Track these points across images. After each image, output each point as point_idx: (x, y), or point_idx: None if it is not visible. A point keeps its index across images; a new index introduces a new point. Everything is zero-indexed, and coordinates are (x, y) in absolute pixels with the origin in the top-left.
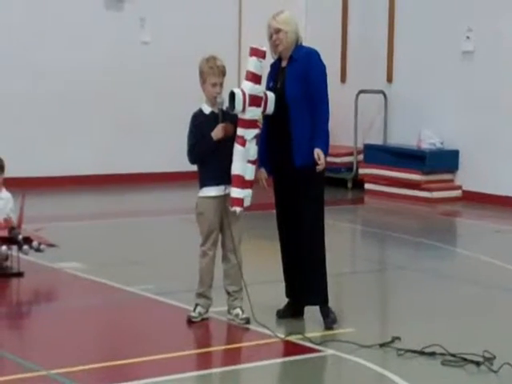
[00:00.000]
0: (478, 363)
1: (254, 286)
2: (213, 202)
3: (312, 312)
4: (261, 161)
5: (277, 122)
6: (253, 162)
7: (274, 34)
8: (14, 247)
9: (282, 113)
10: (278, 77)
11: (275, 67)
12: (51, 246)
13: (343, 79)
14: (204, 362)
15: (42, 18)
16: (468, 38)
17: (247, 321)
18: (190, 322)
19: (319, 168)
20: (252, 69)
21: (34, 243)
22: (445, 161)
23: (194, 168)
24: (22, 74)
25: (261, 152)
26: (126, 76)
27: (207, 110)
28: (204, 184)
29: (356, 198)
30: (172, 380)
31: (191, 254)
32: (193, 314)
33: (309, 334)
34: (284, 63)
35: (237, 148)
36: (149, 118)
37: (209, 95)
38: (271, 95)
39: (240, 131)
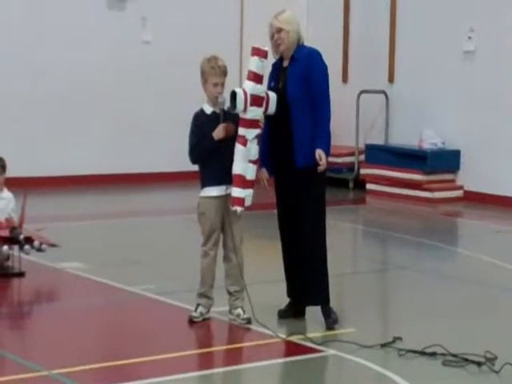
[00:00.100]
0: (479, 363)
1: (255, 286)
2: (214, 201)
3: (313, 312)
4: (262, 161)
5: (278, 122)
6: (254, 162)
7: (276, 33)
8: (16, 247)
9: (283, 113)
10: (279, 77)
11: (277, 67)
12: (52, 245)
13: (345, 79)
14: (205, 362)
15: (44, 17)
16: (470, 37)
17: (248, 321)
18: (192, 321)
19: (320, 168)
20: (254, 68)
21: (36, 243)
22: (446, 161)
23: (196, 168)
24: (24, 74)
25: (262, 152)
26: (127, 75)
27: (208, 109)
28: (205, 184)
29: (357, 198)
30: (173, 380)
31: (192, 253)
32: (194, 314)
33: (310, 334)
34: (285, 63)
35: (238, 148)
36: (150, 117)
37: (210, 95)
38: (273, 95)
39: (241, 131)
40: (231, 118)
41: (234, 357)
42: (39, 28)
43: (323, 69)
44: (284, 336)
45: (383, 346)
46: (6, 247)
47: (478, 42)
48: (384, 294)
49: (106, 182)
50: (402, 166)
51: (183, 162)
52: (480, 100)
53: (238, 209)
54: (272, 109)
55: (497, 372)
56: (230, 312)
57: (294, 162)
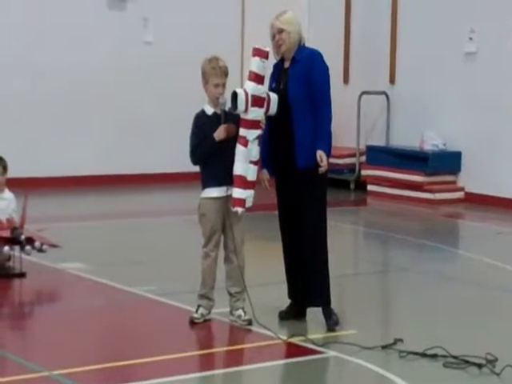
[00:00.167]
0: (480, 365)
1: (256, 287)
2: (215, 203)
3: (314, 313)
4: (263, 162)
5: (279, 123)
6: (255, 163)
7: (277, 34)
8: (17, 247)
9: (284, 114)
10: (280, 78)
11: (278, 68)
12: (54, 246)
13: (346, 80)
14: (206, 363)
15: (44, 17)
16: (471, 39)
17: (249, 322)
18: (193, 323)
19: (322, 170)
20: (255, 69)
21: (37, 243)
22: (447, 162)
23: (197, 169)
24: (24, 74)
25: (263, 153)
26: (128, 76)
27: (209, 110)
28: (206, 185)
29: (358, 200)
30: (174, 381)
31: (193, 255)
32: (195, 315)
33: (311, 336)
34: (287, 64)
35: (239, 148)
36: (151, 118)
37: (211, 96)
38: (274, 96)
39: (242, 132)
40: (232, 118)
41: (234, 358)
42: (40, 28)
43: (324, 70)
44: (285, 337)
45: (384, 347)
46: (7, 248)
47: (480, 44)
48: (385, 295)
49: (106, 182)
50: (403, 167)
51: (184, 163)
52: (481, 101)
53: (239, 210)
54: (273, 109)
55: (497, 374)
56: (231, 313)
57: (294, 163)
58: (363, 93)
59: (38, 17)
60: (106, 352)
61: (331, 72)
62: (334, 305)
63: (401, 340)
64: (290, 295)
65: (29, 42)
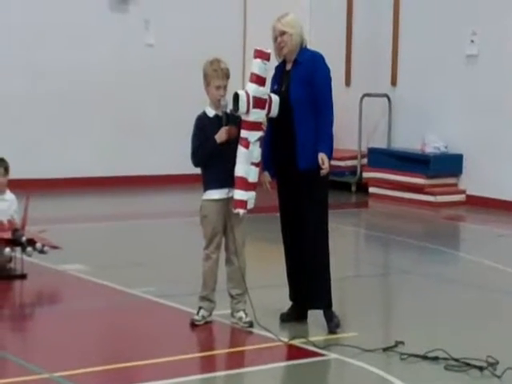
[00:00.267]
0: (481, 368)
1: (257, 290)
2: (216, 204)
3: (315, 316)
4: (264, 164)
5: (281, 125)
6: (256, 165)
7: (279, 36)
8: (18, 249)
9: (286, 116)
10: (282, 80)
11: (280, 70)
12: (55, 247)
13: (347, 82)
14: (207, 365)
15: (45, 19)
16: (472, 41)
17: (250, 324)
18: (194, 325)
19: (323, 172)
20: (256, 71)
21: (38, 245)
22: (449, 165)
23: (198, 171)
24: (25, 76)
25: (264, 155)
26: (130, 78)
27: (211, 112)
28: (208, 187)
29: (360, 202)
30: (175, 383)
31: (195, 256)
32: (196, 317)
33: (312, 338)
34: (288, 66)
35: (240, 150)
36: (153, 120)
37: (213, 98)
38: (275, 98)
39: (244, 133)
40: (234, 120)
41: (235, 360)
42: (41, 29)
43: (326, 72)
44: (286, 340)
45: (385, 350)
46: (8, 249)
47: (481, 46)
48: (386, 298)
49: (108, 184)
50: (404, 169)
51: (186, 165)
52: (483, 104)
53: (241, 211)
54: (274, 111)
55: (499, 377)
56: (232, 315)
57: (296, 165)
58: (365, 95)
59: (39, 18)
60: (106, 354)
61: (333, 74)
62: (335, 307)
63: (402, 342)
64: (292, 297)
65: (30, 42)
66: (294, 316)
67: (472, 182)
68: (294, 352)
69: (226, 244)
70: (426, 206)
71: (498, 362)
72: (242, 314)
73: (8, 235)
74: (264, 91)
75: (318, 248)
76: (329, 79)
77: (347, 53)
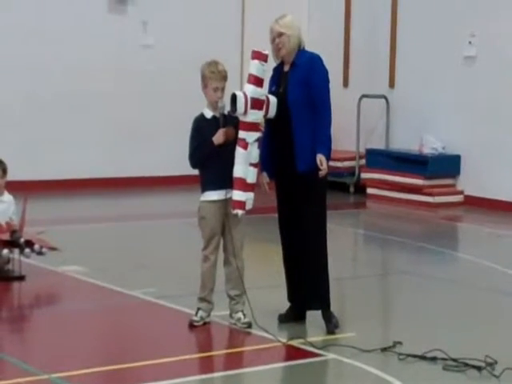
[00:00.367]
0: (479, 368)
1: (255, 290)
2: (214, 206)
3: (314, 316)
4: (262, 165)
5: (279, 127)
6: (254, 165)
7: (277, 37)
8: (16, 250)
9: (284, 117)
10: (280, 81)
11: (277, 71)
12: (53, 249)
13: (345, 84)
14: (206, 366)
15: (45, 21)
16: (470, 43)
17: (249, 325)
18: (192, 326)
19: (322, 173)
20: (254, 72)
21: (36, 246)
22: (447, 166)
23: (197, 172)
24: (24, 78)
25: (263, 156)
26: (128, 79)
27: (209, 114)
28: (206, 188)
29: (358, 203)
30: None
31: (193, 258)
32: (195, 318)
33: (310, 339)
34: (286, 68)
35: (239, 151)
36: (151, 121)
37: (210, 100)
38: (273, 99)
39: (242, 134)
40: (231, 122)
41: (234, 361)
42: (39, 31)
43: (324, 73)
44: (284, 340)
45: (383, 350)
46: (6, 250)
47: (479, 47)
48: (384, 298)
49: (106, 185)
50: (402, 170)
51: (185, 166)
52: (480, 105)
53: (239, 212)
54: (272, 112)
55: (497, 377)
56: (231, 316)
57: (294, 167)
58: (363, 96)
59: (37, 20)
60: (105, 355)
61: (331, 75)
62: (333, 308)
63: (400, 343)
64: (290, 298)
65: (29, 44)
66: (293, 317)
67: (470, 183)
68: (292, 352)
69: (224, 245)
70: (424, 206)
71: (496, 362)
72: (240, 314)
73: (6, 237)
74: (262, 92)
75: (316, 249)
76: (327, 80)
77: (345, 54)
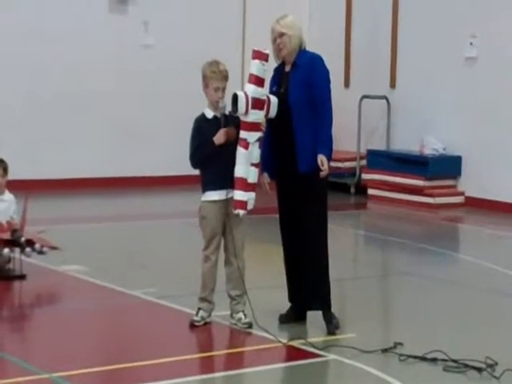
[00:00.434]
0: (479, 369)
1: (256, 291)
2: (215, 206)
3: (315, 317)
4: (264, 165)
5: (280, 127)
6: (256, 165)
7: (278, 38)
8: (17, 250)
9: (285, 117)
10: (281, 81)
11: (278, 72)
12: (54, 248)
13: (346, 84)
14: (206, 366)
15: (46, 21)
16: (471, 43)
17: (250, 325)
18: (193, 326)
19: (323, 174)
20: (255, 72)
21: (37, 246)
22: (447, 167)
23: (198, 172)
24: (24, 77)
25: (264, 157)
26: (129, 79)
27: (209, 114)
28: (206, 188)
29: (359, 204)
30: None
31: (194, 258)
32: (195, 318)
33: (311, 339)
34: (287, 68)
35: (240, 151)
36: (152, 121)
37: (211, 100)
38: (274, 98)
39: (243, 134)
40: (232, 122)
41: (234, 361)
42: (40, 31)
43: (325, 74)
44: (285, 341)
45: (384, 351)
46: (7, 250)
47: (480, 48)
48: (385, 299)
49: (107, 185)
50: (403, 171)
51: (185, 166)
52: (481, 106)
53: (241, 212)
54: (273, 112)
55: (497, 378)
56: (231, 316)
57: (296, 167)
58: (364, 97)
59: (38, 20)
60: (105, 354)
61: (332, 76)
62: (334, 308)
63: (401, 343)
64: (291, 298)
65: (29, 44)
66: (293, 317)
67: (471, 184)
68: (292, 353)
69: (225, 245)
70: (425, 207)
71: (496, 364)
72: (241, 314)
73: (7, 236)
74: (262, 92)
75: (317, 249)
76: (328, 81)
77: (346, 54)
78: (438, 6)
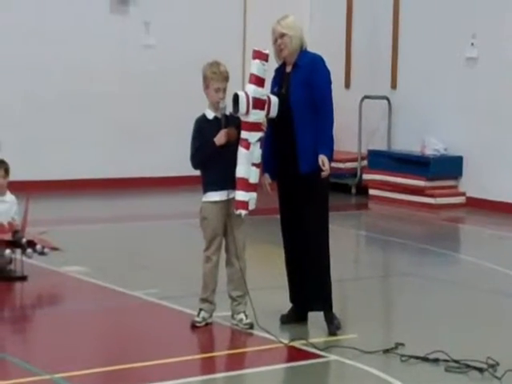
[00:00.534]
0: (481, 370)
1: (257, 291)
2: (216, 206)
3: (316, 317)
4: (265, 166)
5: (281, 128)
6: (257, 165)
7: (279, 38)
8: (18, 251)
9: (286, 118)
10: (282, 82)
11: (280, 72)
12: (55, 249)
13: (347, 85)
14: (207, 366)
15: (47, 21)
16: (472, 44)
17: (251, 326)
18: (194, 326)
19: (324, 174)
20: (255, 72)
21: (38, 247)
22: (449, 167)
23: (199, 172)
24: (24, 77)
25: (265, 157)
26: (130, 79)
27: (210, 115)
28: (207, 189)
29: (360, 204)
30: None
31: (195, 258)
32: (197, 319)
33: (312, 340)
34: (288, 68)
35: (241, 151)
36: (153, 121)
37: (212, 100)
38: (274, 98)
39: (244, 134)
40: (233, 123)
41: (236, 362)
42: (41, 32)
43: (326, 74)
44: (286, 341)
45: (385, 351)
46: (8, 251)
47: (481, 49)
48: (386, 299)
49: (108, 186)
50: (404, 171)
51: (186, 167)
52: (482, 106)
53: (243, 212)
54: (274, 112)
55: (499, 378)
56: (233, 317)
57: (297, 168)
58: (365, 97)
59: (39, 20)
60: (107, 355)
61: (333, 76)
62: (335, 309)
63: (402, 344)
64: (292, 299)
65: (29, 44)
66: (295, 318)
67: (472, 184)
68: (294, 354)
69: (226, 246)
70: (426, 208)
71: (498, 364)
72: (242, 315)
73: (8, 237)
74: (263, 92)
75: (318, 250)
76: (329, 81)
77: (347, 55)
78: (439, 6)
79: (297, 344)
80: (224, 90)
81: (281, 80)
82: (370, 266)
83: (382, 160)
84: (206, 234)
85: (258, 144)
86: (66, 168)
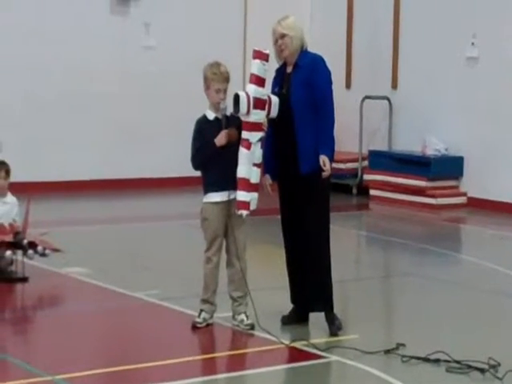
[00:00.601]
0: (482, 370)
1: (259, 292)
2: (217, 207)
3: (317, 318)
4: (266, 167)
5: (282, 128)
6: (258, 166)
7: (279, 39)
8: (19, 252)
9: (286, 118)
10: (283, 82)
11: (280, 72)
12: (56, 250)
13: (348, 85)
14: (208, 367)
15: (47, 22)
16: (473, 44)
17: (252, 327)
18: (195, 327)
19: (325, 174)
20: (255, 72)
21: (39, 248)
22: (449, 167)
23: (199, 173)
24: (24, 77)
25: (266, 158)
26: (130, 80)
27: (211, 115)
28: (208, 189)
29: (361, 204)
30: None
31: (196, 259)
32: (197, 320)
33: (313, 341)
34: (289, 69)
35: (242, 151)
36: (153, 122)
37: (212, 101)
38: (275, 98)
39: (245, 134)
40: (234, 123)
41: (237, 363)
42: (41, 32)
43: (326, 74)
44: (287, 342)
45: (386, 352)
46: (9, 252)
47: (481, 48)
48: (387, 300)
49: (109, 187)
50: (405, 172)
51: (186, 168)
52: (483, 106)
53: (244, 212)
54: (274, 112)
55: (500, 379)
56: (234, 318)
57: (297, 168)
58: (365, 97)
59: (39, 20)
60: (108, 356)
61: (333, 77)
62: (336, 310)
63: (403, 345)
64: (293, 300)
65: (30, 45)
66: (296, 318)
67: (473, 185)
68: (295, 354)
69: (227, 246)
70: (427, 208)
71: (499, 364)
72: (243, 316)
73: (9, 238)
74: (263, 92)
75: (319, 251)
76: (329, 82)
77: (348, 55)
78: (439, 6)
79: (298, 345)
80: (225, 91)
81: (281, 80)
82: (371, 266)
83: (383, 160)
84: (206, 235)
85: (259, 144)
86: (66, 169)
